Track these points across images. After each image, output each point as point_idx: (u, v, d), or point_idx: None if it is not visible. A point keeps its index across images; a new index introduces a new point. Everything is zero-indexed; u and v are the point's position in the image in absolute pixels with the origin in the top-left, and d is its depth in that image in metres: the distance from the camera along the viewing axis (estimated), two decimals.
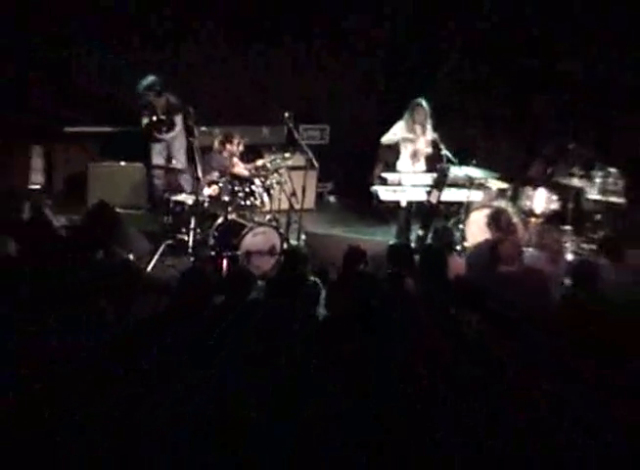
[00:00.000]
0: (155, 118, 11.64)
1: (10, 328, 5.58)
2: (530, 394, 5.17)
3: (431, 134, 11.50)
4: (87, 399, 4.70)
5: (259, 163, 11.22)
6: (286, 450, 4.39)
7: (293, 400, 4.83)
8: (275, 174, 11.17)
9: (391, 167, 11.78)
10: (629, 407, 5.10)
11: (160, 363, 5.33)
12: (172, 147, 11.85)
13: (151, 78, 11.50)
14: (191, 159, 10.94)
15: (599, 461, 4.50)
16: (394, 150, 11.78)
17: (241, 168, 11.04)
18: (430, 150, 11.68)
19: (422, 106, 11.47)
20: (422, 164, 11.78)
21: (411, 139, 11.62)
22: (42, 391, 4.76)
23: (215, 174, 10.75)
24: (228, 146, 11.01)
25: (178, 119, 11.77)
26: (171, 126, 11.78)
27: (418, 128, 11.52)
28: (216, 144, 11.09)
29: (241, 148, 11.18)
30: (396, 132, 11.61)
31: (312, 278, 7.35)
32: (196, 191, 10.50)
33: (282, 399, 4.82)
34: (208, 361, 5.36)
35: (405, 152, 11.74)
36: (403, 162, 11.75)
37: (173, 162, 11.69)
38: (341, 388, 5.04)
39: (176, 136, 11.87)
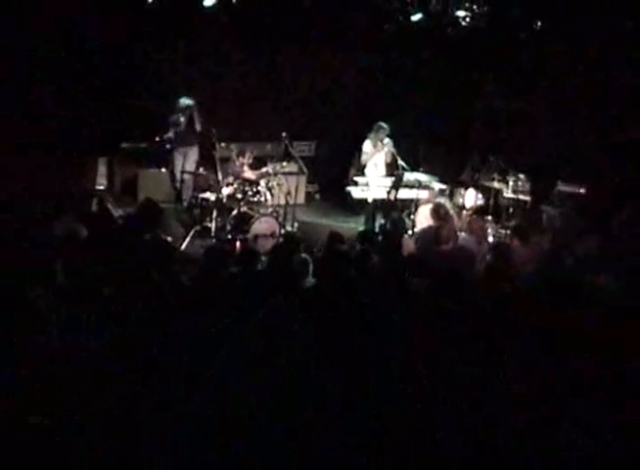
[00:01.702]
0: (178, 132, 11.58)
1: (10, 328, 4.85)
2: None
3: (389, 148, 11.57)
4: (88, 398, 4.18)
5: (264, 170, 11.26)
6: (286, 450, 3.90)
7: (292, 400, 4.26)
8: (275, 178, 11.25)
9: (361, 172, 11.84)
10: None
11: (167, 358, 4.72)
12: (187, 158, 11.78)
13: (189, 102, 11.45)
14: (213, 167, 10.97)
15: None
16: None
17: (250, 174, 11.08)
18: (389, 160, 11.76)
19: (383, 128, 11.60)
20: (383, 171, 11.86)
21: (375, 152, 11.71)
22: (44, 389, 4.23)
23: (231, 178, 10.82)
24: (241, 158, 11.09)
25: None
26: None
27: (379, 144, 11.61)
28: (233, 156, 11.17)
29: (250, 159, 11.25)
30: (367, 151, 11.70)
31: (303, 255, 7.37)
32: (217, 190, 10.57)
33: (282, 398, 4.25)
34: (211, 357, 4.65)
35: (371, 162, 11.81)
36: (370, 169, 11.81)
37: (198, 169, 11.70)
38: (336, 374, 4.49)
39: (191, 150, 11.83)
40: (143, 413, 4.10)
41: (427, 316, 5.42)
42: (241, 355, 4.64)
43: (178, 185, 11.74)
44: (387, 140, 11.57)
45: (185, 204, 11.57)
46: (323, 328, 4.90)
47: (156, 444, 3.91)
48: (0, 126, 9.59)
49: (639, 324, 5.29)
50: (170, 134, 11.51)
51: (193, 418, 4.05)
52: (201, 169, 11.53)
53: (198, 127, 11.47)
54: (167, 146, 11.64)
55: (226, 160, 11.25)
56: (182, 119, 11.42)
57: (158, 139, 11.51)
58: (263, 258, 8.57)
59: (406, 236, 10.66)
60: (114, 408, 4.11)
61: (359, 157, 11.96)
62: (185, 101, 11.44)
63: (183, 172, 11.53)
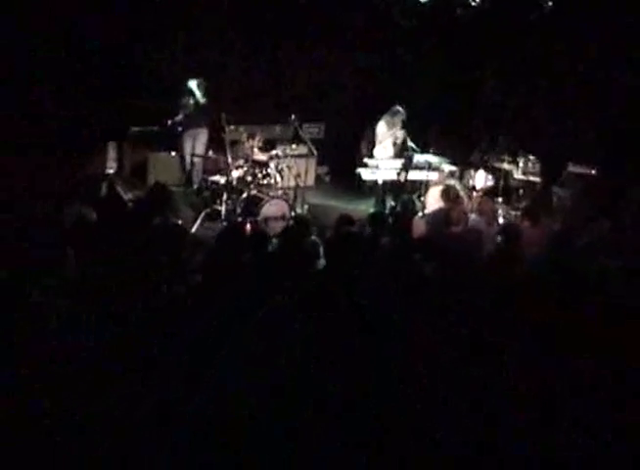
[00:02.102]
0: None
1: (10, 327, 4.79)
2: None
3: (402, 132, 11.56)
4: (88, 398, 4.12)
5: (274, 152, 11.25)
6: (286, 450, 3.86)
7: (292, 400, 4.20)
8: (285, 160, 11.24)
9: (370, 153, 11.83)
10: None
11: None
12: (197, 141, 11.78)
13: (198, 80, 11.44)
14: (222, 149, 10.96)
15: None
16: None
17: (260, 156, 11.06)
18: (399, 142, 11.74)
19: (400, 112, 11.61)
20: (391, 152, 11.82)
21: (389, 135, 11.69)
22: (44, 389, 4.17)
23: (241, 161, 10.81)
24: (251, 140, 11.05)
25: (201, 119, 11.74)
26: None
27: (393, 128, 11.59)
28: (242, 138, 11.13)
29: (260, 142, 11.22)
30: (380, 132, 11.74)
31: (313, 237, 7.36)
32: (227, 173, 10.56)
33: (282, 398, 4.19)
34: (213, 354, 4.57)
35: (381, 144, 11.79)
36: (379, 150, 11.79)
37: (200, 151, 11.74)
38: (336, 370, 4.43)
39: (200, 132, 11.83)
40: (143, 413, 4.07)
41: (427, 315, 5.34)
42: (241, 355, 4.57)
43: (188, 168, 11.76)
44: (400, 123, 11.59)
45: (195, 187, 11.57)
46: (323, 328, 4.84)
47: (156, 444, 3.89)
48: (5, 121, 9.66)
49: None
50: (180, 117, 11.50)
51: (193, 418, 4.03)
52: (210, 152, 11.53)
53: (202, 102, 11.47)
54: (178, 129, 11.65)
55: (235, 142, 11.23)
56: (191, 102, 11.42)
57: (168, 122, 11.51)
58: (274, 241, 8.58)
59: (416, 218, 10.68)
60: (114, 408, 4.07)
61: (371, 138, 11.94)
62: (193, 82, 11.44)
63: (193, 155, 11.54)
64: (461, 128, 13.38)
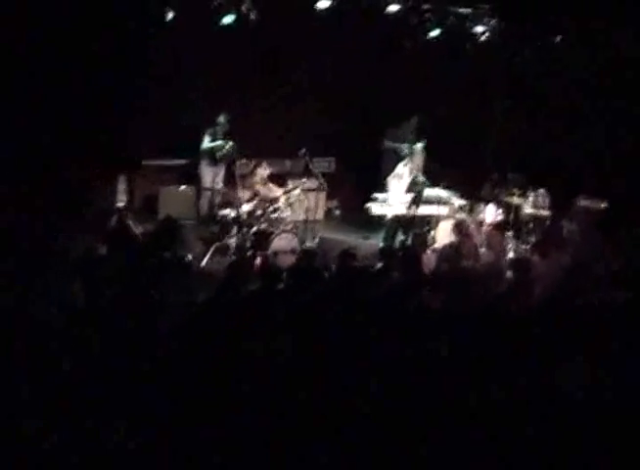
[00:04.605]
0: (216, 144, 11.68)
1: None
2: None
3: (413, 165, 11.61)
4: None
5: (288, 187, 11.32)
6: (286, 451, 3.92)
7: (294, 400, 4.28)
8: (295, 194, 11.25)
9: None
10: None
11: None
12: (217, 175, 11.90)
13: (224, 118, 11.64)
14: (232, 183, 11.00)
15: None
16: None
17: (269, 190, 11.09)
18: (412, 176, 11.72)
19: (418, 151, 11.74)
20: (405, 186, 11.78)
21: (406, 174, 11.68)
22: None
23: (251, 195, 10.82)
24: (261, 174, 11.07)
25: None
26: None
27: (412, 166, 11.60)
28: (253, 172, 11.15)
29: (267, 172, 11.21)
30: (399, 173, 11.71)
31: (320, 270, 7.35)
32: (237, 207, 10.57)
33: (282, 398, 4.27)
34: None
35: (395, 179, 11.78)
36: (393, 184, 11.74)
37: (219, 186, 11.80)
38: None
39: (222, 168, 11.91)
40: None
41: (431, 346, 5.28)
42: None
43: (205, 201, 11.84)
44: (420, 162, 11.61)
45: (214, 219, 11.62)
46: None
47: (156, 443, 3.91)
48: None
49: None
50: (207, 142, 11.72)
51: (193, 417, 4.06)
52: (220, 186, 11.58)
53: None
54: (202, 162, 11.85)
55: (246, 176, 11.25)
56: (219, 136, 11.61)
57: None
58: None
59: (427, 252, 10.65)
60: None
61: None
62: (222, 117, 11.62)
63: (207, 189, 11.63)
64: (471, 162, 13.36)
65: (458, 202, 11.78)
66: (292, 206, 11.20)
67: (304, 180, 11.68)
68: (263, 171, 11.11)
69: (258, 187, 10.94)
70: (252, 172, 11.08)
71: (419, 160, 11.68)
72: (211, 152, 11.76)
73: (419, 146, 11.82)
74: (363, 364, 4.89)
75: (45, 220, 9.16)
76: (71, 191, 10.48)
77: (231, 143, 11.38)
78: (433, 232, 11.38)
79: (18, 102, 10.12)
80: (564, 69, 12.49)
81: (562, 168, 12.45)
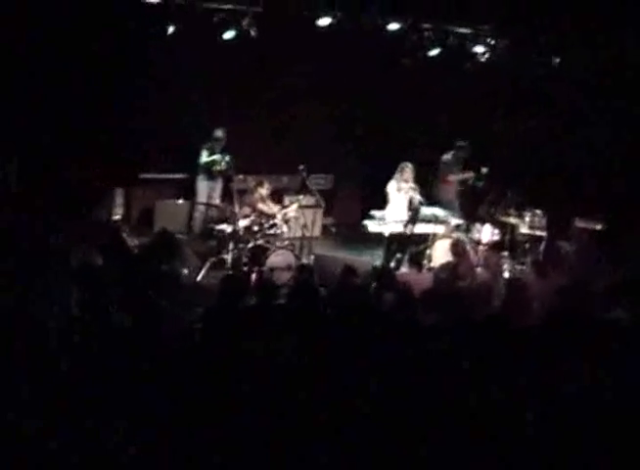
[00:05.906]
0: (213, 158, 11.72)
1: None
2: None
3: (412, 190, 11.57)
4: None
5: (285, 203, 11.31)
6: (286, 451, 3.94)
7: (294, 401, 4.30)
8: (292, 211, 11.24)
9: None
10: None
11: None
12: (214, 190, 11.92)
13: (221, 132, 11.71)
14: (229, 198, 11.00)
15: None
16: None
17: (268, 207, 11.10)
18: (408, 196, 11.71)
19: (408, 167, 11.64)
20: (404, 208, 11.76)
21: (398, 195, 11.65)
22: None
23: (248, 210, 10.82)
24: (259, 189, 11.08)
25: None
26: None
27: (403, 186, 11.58)
28: (251, 188, 11.17)
29: (268, 191, 11.24)
30: (390, 191, 11.67)
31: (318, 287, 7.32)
32: (233, 222, 10.56)
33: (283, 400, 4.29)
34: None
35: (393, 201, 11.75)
36: (392, 204, 11.73)
37: (216, 201, 11.82)
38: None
39: (219, 183, 11.93)
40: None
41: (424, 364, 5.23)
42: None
43: (199, 216, 11.84)
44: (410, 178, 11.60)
45: (210, 234, 11.61)
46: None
47: (156, 443, 3.93)
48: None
49: None
50: (205, 156, 11.80)
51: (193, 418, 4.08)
52: (217, 200, 11.58)
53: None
54: (198, 177, 11.90)
55: (243, 192, 11.26)
56: (217, 150, 11.67)
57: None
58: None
59: (424, 271, 10.64)
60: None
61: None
62: (219, 132, 11.66)
63: (203, 204, 11.63)
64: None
65: (455, 221, 11.79)
66: (288, 222, 11.19)
67: (301, 197, 11.68)
68: (264, 191, 11.12)
69: (257, 204, 10.95)
70: (253, 191, 11.08)
71: (408, 175, 11.64)
72: (208, 166, 11.80)
73: (406, 162, 11.78)
74: (363, 364, 4.95)
75: (45, 220, 9.14)
76: (71, 191, 10.45)
77: (228, 158, 11.39)
78: (429, 251, 11.35)
79: (18, 102, 10.13)
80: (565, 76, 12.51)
81: (562, 171, 12.49)
